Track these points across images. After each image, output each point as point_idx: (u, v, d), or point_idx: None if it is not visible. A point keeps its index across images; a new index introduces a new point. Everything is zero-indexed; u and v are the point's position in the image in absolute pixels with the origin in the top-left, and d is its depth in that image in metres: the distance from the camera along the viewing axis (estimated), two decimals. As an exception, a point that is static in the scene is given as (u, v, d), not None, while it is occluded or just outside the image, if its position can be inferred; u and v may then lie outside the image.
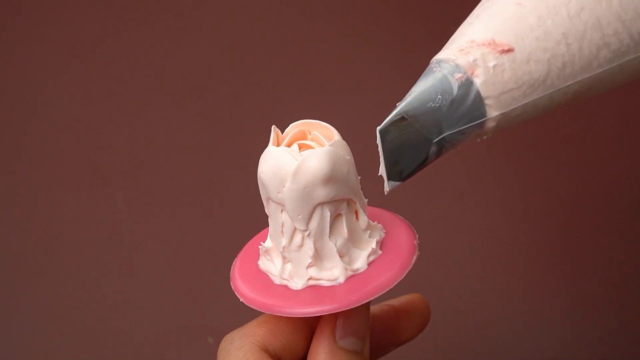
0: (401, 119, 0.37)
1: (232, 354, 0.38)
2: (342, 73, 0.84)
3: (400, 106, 0.37)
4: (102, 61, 0.86)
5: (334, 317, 0.39)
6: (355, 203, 0.39)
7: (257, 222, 0.43)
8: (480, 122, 0.37)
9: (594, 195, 0.74)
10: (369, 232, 0.39)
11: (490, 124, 0.37)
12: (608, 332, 0.67)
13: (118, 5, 0.88)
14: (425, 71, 0.38)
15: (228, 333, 0.40)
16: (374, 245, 0.39)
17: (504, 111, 0.37)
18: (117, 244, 0.76)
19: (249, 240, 0.43)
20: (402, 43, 0.84)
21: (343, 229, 0.38)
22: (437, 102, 0.36)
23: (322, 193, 0.37)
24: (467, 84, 0.36)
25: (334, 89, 0.83)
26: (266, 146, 0.38)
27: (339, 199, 0.38)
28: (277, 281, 0.39)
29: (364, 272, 0.38)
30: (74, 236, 0.76)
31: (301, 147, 0.38)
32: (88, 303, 0.72)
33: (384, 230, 0.40)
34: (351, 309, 0.37)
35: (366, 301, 0.37)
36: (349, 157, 0.38)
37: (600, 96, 0.39)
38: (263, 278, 0.40)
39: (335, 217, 0.38)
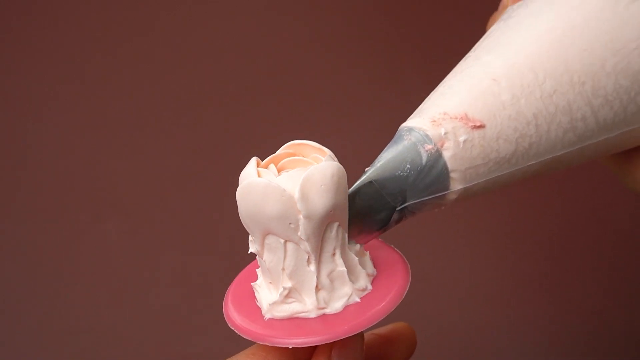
0: (369, 184, 0.37)
1: None
2: (334, 97, 0.83)
3: (369, 172, 0.37)
4: (91, 89, 0.83)
5: (329, 347, 0.39)
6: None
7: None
8: (443, 195, 0.38)
9: (592, 203, 0.75)
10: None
11: (452, 197, 0.38)
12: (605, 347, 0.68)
13: (109, 23, 0.85)
14: (395, 137, 0.38)
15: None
16: (369, 272, 0.39)
17: (467, 185, 0.38)
18: (109, 274, 0.74)
19: (240, 270, 0.42)
20: (395, 66, 0.83)
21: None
22: (406, 172, 0.37)
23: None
24: (436, 156, 0.37)
25: (325, 113, 0.82)
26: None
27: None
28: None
29: (357, 303, 0.38)
30: (64, 268, 0.75)
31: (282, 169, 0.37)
32: (78, 335, 0.71)
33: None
34: (346, 338, 0.37)
35: (360, 331, 0.37)
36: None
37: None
38: (256, 309, 0.39)
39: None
